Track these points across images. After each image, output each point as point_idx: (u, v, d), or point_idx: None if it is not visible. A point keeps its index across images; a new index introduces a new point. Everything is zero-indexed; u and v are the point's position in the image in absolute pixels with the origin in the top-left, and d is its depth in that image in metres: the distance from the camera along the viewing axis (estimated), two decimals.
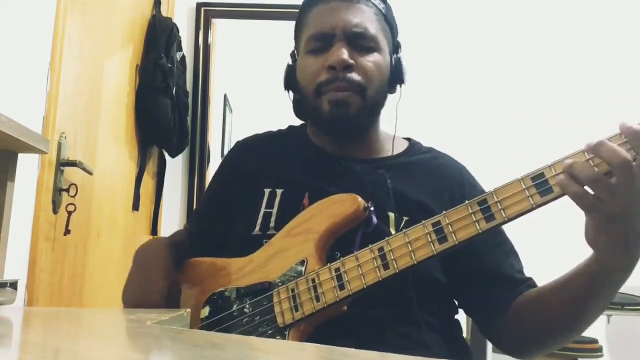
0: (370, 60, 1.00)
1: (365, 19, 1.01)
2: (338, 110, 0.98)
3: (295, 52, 1.09)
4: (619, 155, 0.73)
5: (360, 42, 1.00)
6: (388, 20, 1.06)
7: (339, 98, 0.97)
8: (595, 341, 2.41)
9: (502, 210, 0.80)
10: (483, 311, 1.01)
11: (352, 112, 0.98)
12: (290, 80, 1.07)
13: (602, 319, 2.59)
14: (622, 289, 2.73)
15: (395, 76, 1.04)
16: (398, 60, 1.05)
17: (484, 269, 0.98)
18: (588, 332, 2.72)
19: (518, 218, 0.81)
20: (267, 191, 1.02)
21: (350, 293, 0.85)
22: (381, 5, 1.05)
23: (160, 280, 0.96)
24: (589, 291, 0.86)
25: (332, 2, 1.02)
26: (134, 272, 1.01)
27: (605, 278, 0.84)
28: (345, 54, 0.97)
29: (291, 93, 1.09)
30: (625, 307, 2.46)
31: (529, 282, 0.99)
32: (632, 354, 2.83)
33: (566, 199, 0.79)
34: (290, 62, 1.09)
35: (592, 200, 0.75)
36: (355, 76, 0.98)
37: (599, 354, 2.39)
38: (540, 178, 0.80)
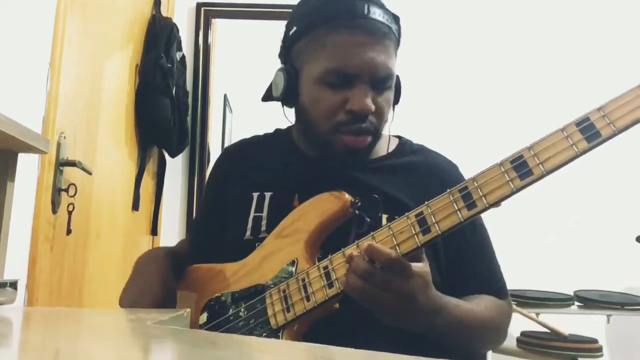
0: (385, 100, 0.98)
1: (389, 57, 0.96)
2: (353, 155, 0.98)
3: (293, 64, 1.02)
4: (361, 266, 0.79)
5: (381, 84, 0.96)
6: (399, 42, 1.01)
7: (357, 147, 0.97)
8: (595, 341, 2.41)
9: (483, 197, 0.79)
10: None
11: (364, 154, 1.00)
12: (292, 95, 1.01)
13: (602, 319, 2.59)
14: (622, 289, 2.73)
15: (396, 99, 1.04)
16: (397, 80, 1.02)
17: (463, 278, 0.99)
18: (588, 332, 2.72)
19: (499, 203, 0.80)
20: (255, 195, 1.02)
21: (339, 291, 0.85)
22: (396, 30, 0.99)
23: (156, 288, 0.97)
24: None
25: (359, 36, 0.93)
26: (131, 279, 1.02)
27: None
28: (370, 102, 0.94)
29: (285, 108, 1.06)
30: (625, 307, 2.46)
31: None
32: (632, 354, 2.83)
33: (545, 181, 0.79)
34: (285, 69, 1.02)
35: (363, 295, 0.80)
36: (372, 119, 0.96)
37: (599, 354, 2.39)
38: (519, 160, 0.79)
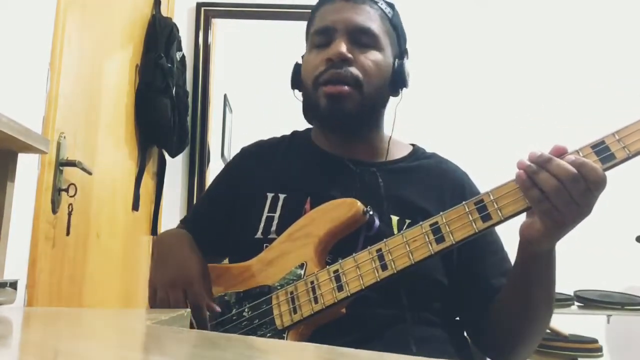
0: (370, 57, 1.01)
1: (368, 18, 1.03)
2: (335, 105, 0.99)
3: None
4: (568, 170, 0.76)
5: (361, 39, 1.01)
6: (394, 24, 1.07)
7: (335, 93, 0.98)
8: (595, 341, 2.41)
9: (498, 210, 0.81)
10: (465, 317, 1.03)
11: (349, 107, 0.99)
12: (297, 79, 1.08)
13: (602, 319, 2.60)
14: (622, 289, 2.74)
15: (397, 79, 1.05)
16: (401, 65, 1.05)
17: (470, 277, 0.99)
18: (588, 332, 2.73)
19: (514, 217, 0.82)
20: (270, 195, 1.03)
21: (349, 294, 0.86)
22: (387, 10, 1.06)
23: (195, 254, 0.99)
24: (523, 281, 0.89)
25: (337, 3, 1.04)
26: (163, 256, 1.02)
27: (534, 263, 0.87)
28: (343, 48, 0.99)
29: (298, 93, 1.10)
30: (625, 307, 2.46)
31: None
32: (632, 354, 2.84)
33: None
34: (300, 62, 1.11)
35: (549, 207, 0.78)
36: (353, 70, 0.99)
37: (599, 353, 2.39)
38: None
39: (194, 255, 1.00)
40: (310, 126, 1.16)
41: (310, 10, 1.12)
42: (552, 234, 0.81)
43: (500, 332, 0.96)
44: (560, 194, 0.76)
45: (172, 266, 0.98)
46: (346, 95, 0.98)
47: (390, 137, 1.09)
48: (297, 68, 1.09)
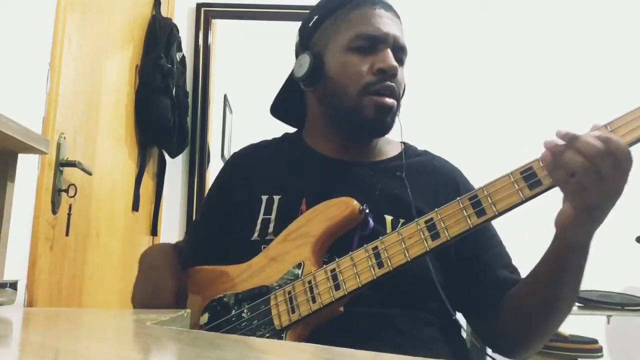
0: (403, 74, 1.05)
1: (403, 35, 1.05)
2: (382, 115, 1.00)
3: (318, 46, 1.05)
4: (595, 146, 0.74)
5: (400, 55, 1.04)
6: None
7: (388, 105, 1.00)
8: (595, 341, 2.41)
9: (492, 205, 0.82)
10: (474, 312, 1.03)
11: (390, 119, 1.02)
12: (319, 74, 1.03)
13: (602, 319, 2.59)
14: (622, 289, 2.73)
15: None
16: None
17: (475, 271, 0.99)
18: (588, 333, 2.71)
19: (508, 212, 0.82)
20: (264, 198, 1.03)
21: (346, 293, 0.86)
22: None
23: (170, 280, 0.97)
24: (554, 274, 0.87)
25: (379, 9, 1.03)
26: (142, 274, 1.02)
27: (567, 256, 0.86)
28: (395, 62, 1.00)
29: (286, 85, 1.10)
30: (625, 308, 2.46)
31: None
32: (632, 354, 2.83)
33: (554, 192, 0.80)
34: (308, 56, 1.03)
35: (577, 187, 0.76)
36: (397, 84, 1.01)
37: (599, 354, 2.39)
38: (529, 171, 0.81)
39: (171, 276, 0.99)
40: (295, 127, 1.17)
41: (308, 11, 1.10)
42: (584, 218, 0.78)
43: (515, 325, 0.95)
44: (588, 171, 0.74)
45: (147, 288, 0.98)
46: (393, 108, 1.01)
47: (389, 140, 1.10)
48: (319, 63, 1.03)
